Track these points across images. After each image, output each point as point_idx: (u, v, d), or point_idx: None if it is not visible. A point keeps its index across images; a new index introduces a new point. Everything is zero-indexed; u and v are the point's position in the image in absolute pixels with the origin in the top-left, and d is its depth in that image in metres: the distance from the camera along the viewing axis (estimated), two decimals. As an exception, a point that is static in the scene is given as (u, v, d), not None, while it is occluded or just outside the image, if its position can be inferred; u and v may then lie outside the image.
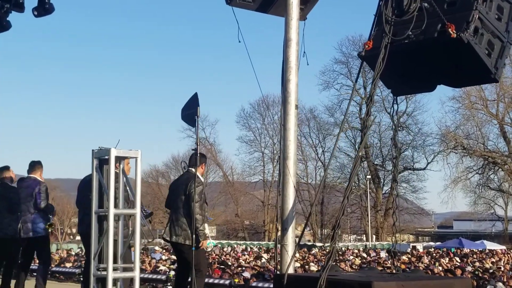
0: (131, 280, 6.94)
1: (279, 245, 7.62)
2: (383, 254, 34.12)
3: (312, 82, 64.53)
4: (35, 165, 9.81)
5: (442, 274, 16.00)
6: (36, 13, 7.97)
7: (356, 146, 62.33)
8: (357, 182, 59.07)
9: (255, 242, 56.80)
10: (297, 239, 7.59)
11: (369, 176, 59.07)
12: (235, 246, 47.50)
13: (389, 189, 61.19)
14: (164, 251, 34.11)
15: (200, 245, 7.98)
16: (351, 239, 68.10)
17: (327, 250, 7.52)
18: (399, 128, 52.53)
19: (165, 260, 24.79)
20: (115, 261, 6.97)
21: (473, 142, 55.70)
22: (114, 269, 6.87)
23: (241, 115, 67.87)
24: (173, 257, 25.74)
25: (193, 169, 8.31)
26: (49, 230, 9.54)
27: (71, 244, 54.08)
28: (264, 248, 45.40)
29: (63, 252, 34.58)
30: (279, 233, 7.63)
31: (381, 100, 55.36)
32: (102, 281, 7.10)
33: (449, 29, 6.51)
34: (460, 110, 55.80)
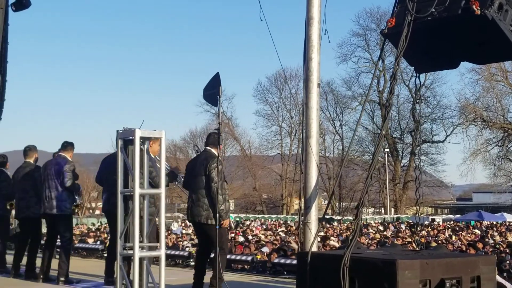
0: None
1: (302, 223, 7.69)
2: (402, 227, 34.20)
3: (330, 55, 64.14)
4: (67, 146, 9.97)
5: (464, 248, 16.02)
6: (14, 8, 7.97)
7: (374, 120, 62.20)
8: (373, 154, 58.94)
9: (273, 216, 57.09)
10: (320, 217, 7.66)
11: (387, 149, 58.94)
12: (253, 220, 47.76)
13: (408, 162, 61.07)
14: (183, 225, 34.41)
15: (222, 224, 8.08)
16: (369, 212, 68.17)
17: (351, 228, 7.57)
18: (417, 100, 52.22)
19: (186, 234, 24.99)
20: (141, 240, 7.08)
21: (492, 114, 55.33)
22: (140, 248, 6.97)
23: (258, 89, 67.96)
24: (190, 231, 26.01)
25: (210, 148, 8.36)
26: (76, 211, 9.68)
27: (91, 218, 54.54)
28: (282, 221, 45.66)
29: (84, 227, 34.97)
30: (302, 211, 7.69)
31: (399, 72, 55.00)
32: (128, 259, 7.25)
33: (473, 6, 6.47)
34: (480, 81, 55.39)
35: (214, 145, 8.40)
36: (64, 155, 9.84)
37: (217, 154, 8.30)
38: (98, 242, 17.06)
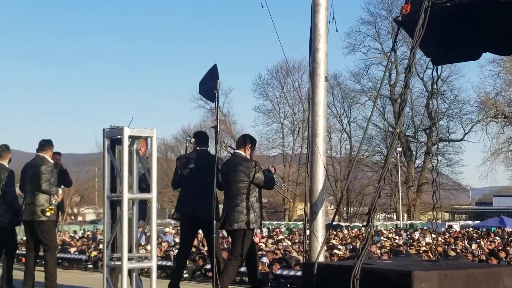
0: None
1: (307, 231, 7.70)
2: (416, 235, 34.22)
3: (336, 45, 64.04)
4: (45, 145, 9.90)
5: (484, 258, 16.03)
6: None
7: (386, 116, 62.23)
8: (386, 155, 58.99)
9: (274, 222, 57.09)
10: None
11: (400, 149, 58.96)
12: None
13: (422, 163, 61.11)
14: (175, 234, 34.30)
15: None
16: (380, 218, 68.26)
17: (362, 235, 7.56)
18: (432, 95, 52.24)
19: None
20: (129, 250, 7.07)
21: (515, 109, 55.37)
22: (129, 259, 6.96)
23: (257, 82, 67.72)
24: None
25: (242, 152, 8.60)
26: (47, 215, 9.58)
27: (72, 225, 54.50)
28: (284, 228, 45.66)
29: (65, 234, 34.96)
30: (307, 218, 7.70)
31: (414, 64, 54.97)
32: (115, 271, 7.25)
33: (497, -9, 6.47)
34: (501, 74, 55.52)
35: (242, 147, 8.65)
36: (42, 156, 9.79)
37: (217, 154, 8.51)
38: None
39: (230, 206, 8.46)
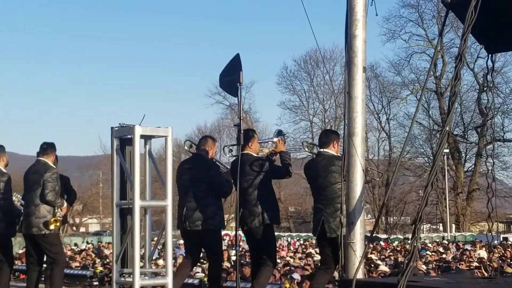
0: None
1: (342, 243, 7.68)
2: (467, 248, 34.02)
3: (373, 32, 63.74)
4: (47, 148, 10.02)
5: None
6: None
7: (430, 112, 61.90)
8: (431, 158, 58.65)
9: (303, 234, 56.92)
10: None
11: (447, 150, 58.59)
12: (278, 239, 47.77)
13: (473, 166, 60.68)
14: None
15: None
16: (424, 230, 67.94)
17: (407, 249, 7.52)
18: (485, 88, 51.95)
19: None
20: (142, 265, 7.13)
21: None
22: (142, 275, 7.01)
23: (283, 74, 67.56)
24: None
25: (328, 150, 8.82)
26: (51, 228, 9.64)
27: (74, 237, 54.75)
28: (314, 241, 45.54)
29: (66, 248, 35.13)
30: (343, 229, 7.68)
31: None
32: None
33: None
34: None
35: (327, 144, 8.89)
36: (44, 161, 9.89)
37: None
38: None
39: (328, 211, 8.64)
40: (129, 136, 7.08)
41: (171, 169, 7.18)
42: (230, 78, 8.20)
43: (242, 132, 8.25)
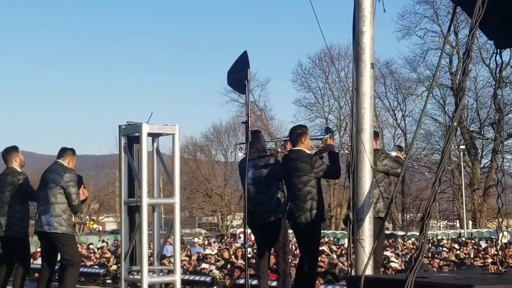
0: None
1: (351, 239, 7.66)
2: (483, 244, 33.87)
3: (388, 29, 63.50)
4: (66, 151, 10.14)
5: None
6: None
7: (446, 109, 61.64)
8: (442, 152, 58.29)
9: (319, 231, 56.80)
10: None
11: (463, 146, 58.34)
12: (292, 237, 47.55)
13: (489, 162, 60.37)
14: (206, 243, 34.43)
15: None
16: (441, 226, 67.65)
17: (416, 245, 7.50)
18: (501, 84, 51.55)
19: (210, 255, 25.02)
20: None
21: None
22: (150, 272, 7.02)
23: (298, 72, 67.36)
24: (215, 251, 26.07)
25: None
26: (64, 226, 9.70)
27: (90, 236, 54.90)
28: (330, 239, 45.50)
29: (82, 246, 35.28)
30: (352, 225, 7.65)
31: (477, 49, 54.43)
32: (135, 286, 7.32)
33: None
34: None
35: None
36: (61, 162, 9.97)
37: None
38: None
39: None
40: (136, 134, 7.09)
41: (178, 166, 7.18)
42: (238, 75, 8.20)
43: (249, 129, 8.26)
